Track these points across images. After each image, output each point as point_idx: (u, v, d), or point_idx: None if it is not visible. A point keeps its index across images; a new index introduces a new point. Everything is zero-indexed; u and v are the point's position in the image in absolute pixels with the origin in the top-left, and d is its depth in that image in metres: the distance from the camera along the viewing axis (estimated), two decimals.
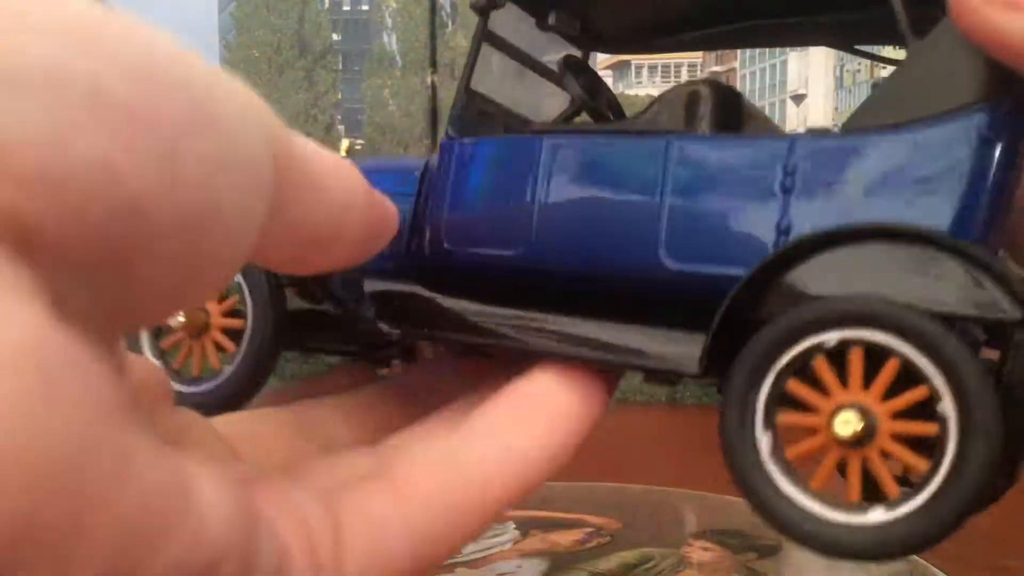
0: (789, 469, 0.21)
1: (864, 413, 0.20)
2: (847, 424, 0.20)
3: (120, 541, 0.12)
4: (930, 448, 0.20)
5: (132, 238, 0.13)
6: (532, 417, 0.22)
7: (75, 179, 0.12)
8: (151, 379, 0.22)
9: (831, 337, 0.21)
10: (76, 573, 0.11)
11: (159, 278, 0.14)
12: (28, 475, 0.11)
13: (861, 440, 0.20)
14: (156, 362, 0.28)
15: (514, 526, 1.05)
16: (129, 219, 0.13)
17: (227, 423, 0.23)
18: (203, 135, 0.14)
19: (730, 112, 0.26)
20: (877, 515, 0.20)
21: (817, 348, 0.21)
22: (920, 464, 0.20)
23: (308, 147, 0.19)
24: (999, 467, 0.19)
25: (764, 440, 0.21)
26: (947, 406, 0.19)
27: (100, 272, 0.13)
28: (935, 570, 0.83)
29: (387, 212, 0.22)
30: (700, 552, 0.82)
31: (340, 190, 0.20)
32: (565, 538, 0.94)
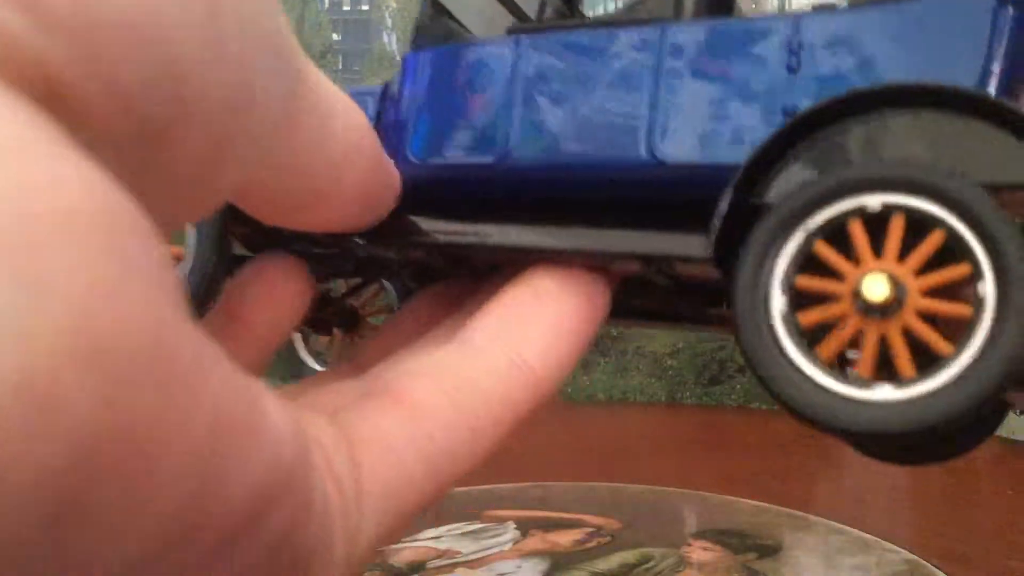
0: (799, 334, 0.19)
1: (895, 283, 0.19)
2: (876, 287, 0.19)
3: (203, 458, 0.10)
4: (951, 335, 0.19)
5: (168, 111, 0.11)
6: (536, 323, 0.20)
7: (113, 29, 0.10)
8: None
9: (875, 201, 0.19)
10: (154, 499, 0.10)
11: (185, 163, 0.12)
12: (107, 370, 0.09)
13: (885, 311, 0.19)
14: None
15: (514, 526, 1.05)
16: (169, 90, 0.11)
17: None
18: (245, 9, 0.13)
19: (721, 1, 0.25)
20: (883, 392, 0.18)
21: (857, 211, 0.19)
22: (944, 347, 0.18)
23: (322, 77, 0.17)
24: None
25: (778, 301, 0.20)
26: (987, 286, 0.18)
27: (128, 146, 0.11)
28: (935, 570, 0.84)
29: (391, 178, 0.21)
30: (700, 552, 0.82)
31: (347, 129, 0.18)
32: (565, 538, 0.94)
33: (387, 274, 0.29)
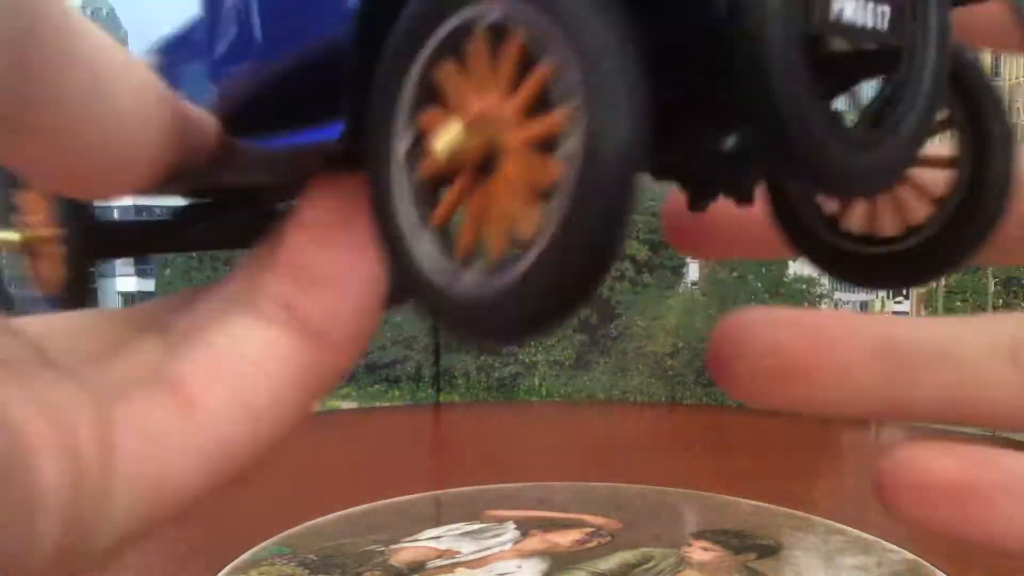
0: (418, 195, 0.15)
1: (488, 130, 0.14)
2: (442, 137, 0.14)
3: None
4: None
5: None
6: (317, 273, 0.18)
7: None
8: None
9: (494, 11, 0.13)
10: None
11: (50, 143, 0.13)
12: None
13: (485, 167, 0.14)
14: None
15: (514, 526, 1.05)
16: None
17: (46, 319, 0.21)
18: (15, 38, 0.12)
19: None
20: (471, 278, 0.14)
21: (474, 24, 0.14)
22: (527, 223, 0.14)
23: (87, 27, 0.16)
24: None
25: (401, 143, 0.15)
26: (571, 87, 0.13)
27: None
28: (935, 570, 0.84)
29: (201, 123, 0.19)
30: (700, 552, 0.82)
31: (129, 84, 0.17)
32: (565, 538, 0.94)
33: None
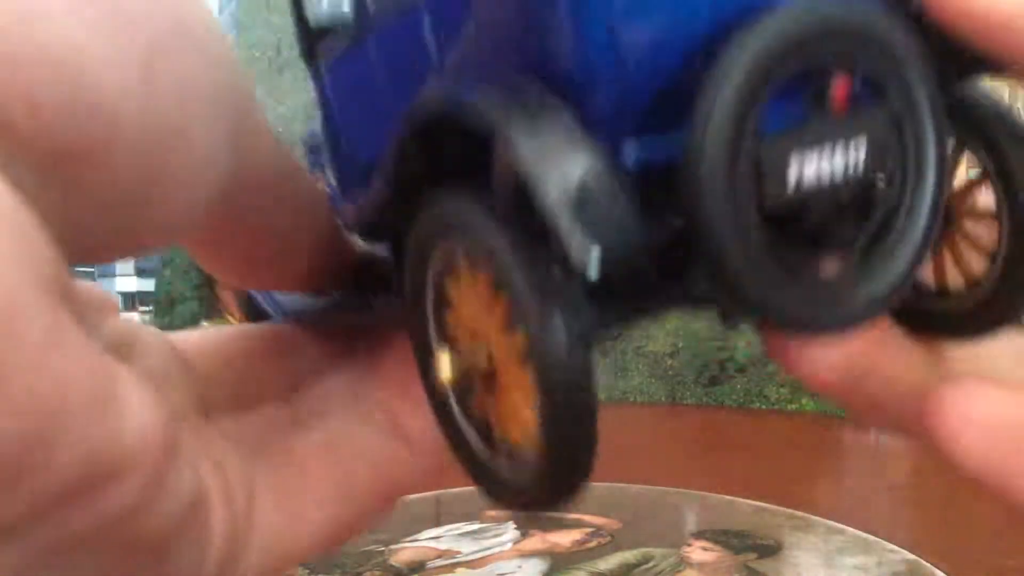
0: (456, 392, 0.17)
1: (480, 337, 0.16)
2: (442, 366, 0.16)
3: (35, 413, 0.12)
4: None
5: (90, 141, 0.13)
6: (416, 389, 0.20)
7: (41, 63, 0.12)
8: (97, 295, 0.21)
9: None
10: None
11: (109, 193, 0.14)
12: None
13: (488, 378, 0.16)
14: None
15: (514, 526, 1.05)
16: (90, 118, 0.13)
17: (199, 339, 0.23)
18: (182, 50, 0.14)
19: None
20: (502, 461, 0.16)
21: (453, 255, 0.16)
22: (515, 431, 0.15)
23: (270, 129, 0.18)
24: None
25: (435, 348, 0.17)
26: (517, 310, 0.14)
27: (46, 169, 0.13)
28: (935, 570, 0.84)
29: (344, 249, 0.21)
30: (700, 552, 0.82)
31: (302, 191, 0.19)
32: (565, 538, 0.94)
33: None
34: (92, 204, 0.13)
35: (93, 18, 0.13)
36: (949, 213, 0.17)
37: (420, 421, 0.20)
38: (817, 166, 0.15)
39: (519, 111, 0.15)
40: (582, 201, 0.14)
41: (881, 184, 0.16)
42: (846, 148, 0.15)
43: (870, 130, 0.16)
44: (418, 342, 0.17)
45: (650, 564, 0.84)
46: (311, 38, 0.23)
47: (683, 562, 0.84)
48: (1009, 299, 0.17)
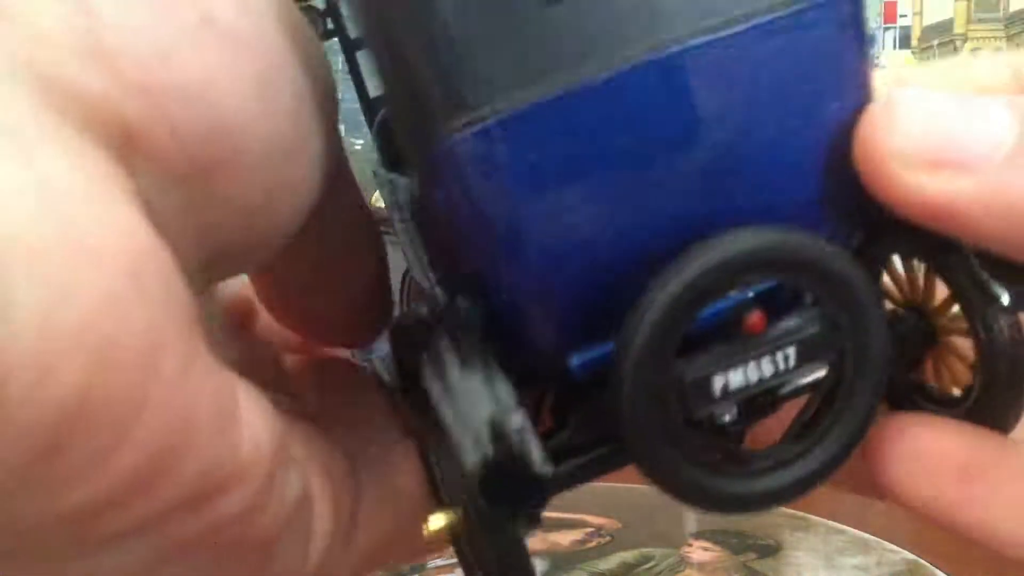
0: None
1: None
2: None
3: (166, 434, 0.13)
4: None
5: (221, 155, 0.14)
6: None
7: (178, 92, 0.14)
8: (240, 301, 0.23)
9: None
10: (120, 456, 0.13)
11: (239, 201, 0.15)
12: (104, 358, 0.12)
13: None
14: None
15: None
16: (222, 137, 0.14)
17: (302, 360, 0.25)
18: (298, 66, 0.15)
19: None
20: None
21: None
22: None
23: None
24: None
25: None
26: None
27: (187, 183, 0.14)
28: (935, 570, 0.84)
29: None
30: (700, 552, 0.82)
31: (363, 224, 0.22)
32: (565, 538, 0.94)
33: None
34: (225, 211, 0.15)
35: (214, 47, 0.14)
36: (932, 326, 0.18)
37: None
38: (744, 376, 0.16)
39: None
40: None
41: (814, 377, 0.18)
42: (773, 357, 0.16)
43: (800, 338, 0.16)
44: None
45: (650, 564, 0.84)
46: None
47: (683, 562, 0.84)
48: (992, 408, 0.19)
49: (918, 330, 0.19)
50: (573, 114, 0.15)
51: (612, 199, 0.16)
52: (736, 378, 0.16)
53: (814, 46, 0.16)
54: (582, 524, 1.08)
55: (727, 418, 0.17)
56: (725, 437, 0.18)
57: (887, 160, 0.16)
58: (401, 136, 0.18)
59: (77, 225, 0.12)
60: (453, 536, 0.18)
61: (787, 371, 0.17)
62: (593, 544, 0.97)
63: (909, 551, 0.84)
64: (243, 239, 0.16)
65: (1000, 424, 0.19)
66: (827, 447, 0.17)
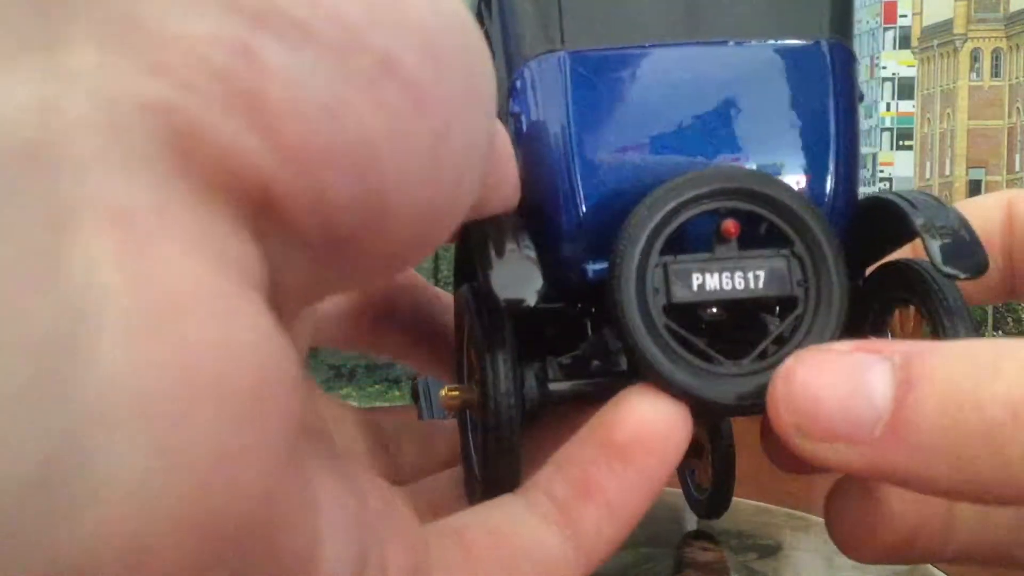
0: None
1: None
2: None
3: (253, 551, 0.11)
4: None
5: (368, 224, 0.12)
6: (602, 491, 0.19)
7: (337, 155, 0.11)
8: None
9: None
10: None
11: (369, 264, 0.13)
12: (212, 532, 0.10)
13: None
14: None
15: None
16: (375, 206, 0.12)
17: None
18: (471, 114, 0.13)
19: None
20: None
21: None
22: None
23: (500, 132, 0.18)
24: None
25: None
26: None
27: (317, 248, 0.12)
28: (935, 570, 0.83)
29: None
30: (700, 552, 0.82)
31: (509, 188, 0.20)
32: None
33: None
34: (347, 271, 0.13)
35: (392, 100, 0.11)
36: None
37: (600, 523, 0.19)
38: (718, 281, 0.20)
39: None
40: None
41: (781, 304, 0.21)
42: (744, 274, 0.20)
43: (768, 262, 0.20)
44: None
45: (650, 564, 0.84)
46: None
47: (683, 562, 0.84)
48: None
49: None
50: (622, 65, 0.22)
51: (637, 138, 0.22)
52: (712, 281, 0.20)
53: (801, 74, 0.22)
54: None
55: (709, 315, 0.21)
56: (707, 339, 0.21)
57: (789, 432, 0.17)
58: None
59: (192, 342, 0.09)
60: (464, 405, 0.22)
61: (756, 292, 0.20)
62: None
63: None
64: (377, 275, 0.15)
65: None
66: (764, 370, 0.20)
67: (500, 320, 0.20)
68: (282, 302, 0.12)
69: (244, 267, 0.11)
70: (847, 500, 0.21)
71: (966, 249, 0.20)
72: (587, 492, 0.19)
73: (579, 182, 0.21)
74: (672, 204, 0.20)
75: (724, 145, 0.22)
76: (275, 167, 0.10)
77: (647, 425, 0.19)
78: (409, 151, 0.12)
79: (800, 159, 0.22)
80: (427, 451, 0.26)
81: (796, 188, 0.21)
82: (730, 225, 0.20)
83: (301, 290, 0.12)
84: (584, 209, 0.21)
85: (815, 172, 0.22)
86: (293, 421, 0.11)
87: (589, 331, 0.23)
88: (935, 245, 0.20)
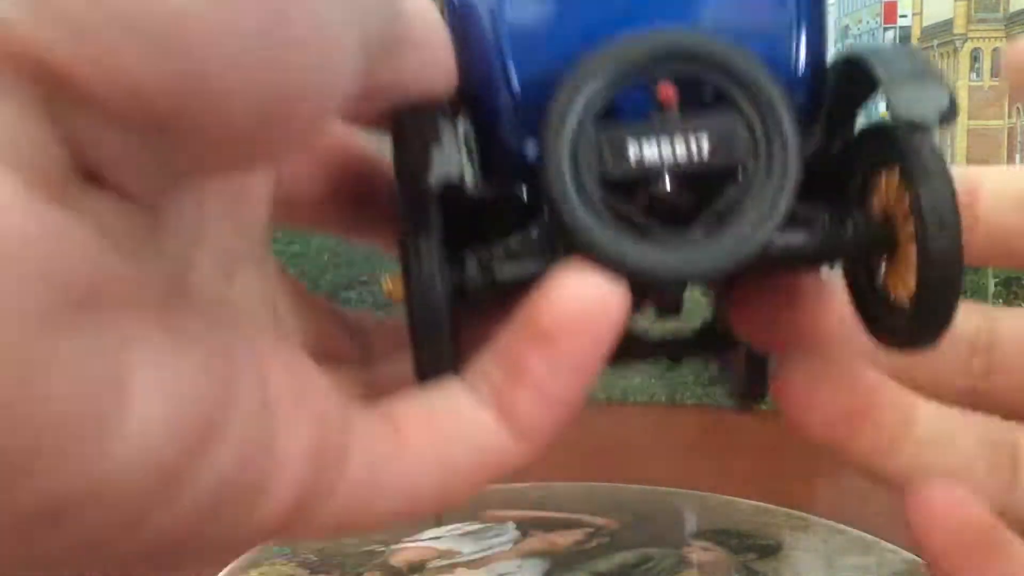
0: None
1: None
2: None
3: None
4: None
5: (195, 103, 0.11)
6: (534, 372, 0.19)
7: (124, 28, 0.10)
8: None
9: None
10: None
11: (231, 142, 0.12)
12: None
13: None
14: None
15: (514, 526, 1.05)
16: (193, 86, 0.11)
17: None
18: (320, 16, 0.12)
19: None
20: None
21: None
22: None
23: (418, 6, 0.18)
24: None
25: None
26: None
27: (153, 130, 0.11)
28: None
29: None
30: (700, 552, 0.82)
31: (439, 70, 0.20)
32: (565, 538, 0.94)
33: None
34: (210, 154, 0.13)
35: None
36: (891, 233, 0.20)
37: (533, 408, 0.19)
38: (657, 150, 0.19)
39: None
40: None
41: (730, 169, 0.19)
42: (686, 139, 0.19)
43: (712, 127, 0.19)
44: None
45: (650, 564, 0.84)
46: None
47: (683, 562, 0.84)
48: (924, 319, 0.20)
49: (881, 236, 0.21)
50: None
51: (572, 6, 0.20)
52: (650, 150, 0.19)
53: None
54: (582, 524, 1.08)
55: (653, 189, 0.19)
56: (644, 212, 0.20)
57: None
58: None
59: None
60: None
61: (700, 158, 0.19)
62: (593, 544, 0.97)
63: (909, 551, 0.84)
64: (232, 158, 0.14)
65: (930, 332, 0.20)
66: (735, 235, 0.19)
67: (423, 204, 0.19)
68: (127, 180, 0.12)
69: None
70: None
71: (931, 94, 0.19)
72: (518, 376, 0.18)
73: (510, 57, 0.21)
74: (605, 70, 0.19)
75: (668, 8, 0.20)
76: (50, 38, 0.10)
77: (573, 303, 0.18)
78: (229, 30, 0.11)
79: (757, 24, 0.21)
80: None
81: (753, 57, 0.19)
82: (668, 89, 0.19)
83: (150, 169, 0.12)
84: (517, 85, 0.21)
85: (776, 39, 0.21)
86: (61, 290, 0.10)
87: (546, 216, 0.22)
88: (897, 92, 0.19)
